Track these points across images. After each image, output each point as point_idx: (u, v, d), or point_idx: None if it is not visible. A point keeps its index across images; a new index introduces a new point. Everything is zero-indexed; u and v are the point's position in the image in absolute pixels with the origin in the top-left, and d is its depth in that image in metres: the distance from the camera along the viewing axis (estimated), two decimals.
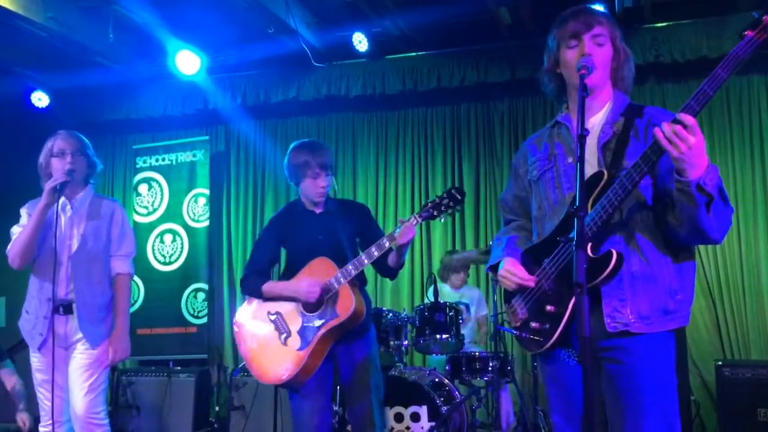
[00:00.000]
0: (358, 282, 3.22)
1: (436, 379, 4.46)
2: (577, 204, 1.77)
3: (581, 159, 1.80)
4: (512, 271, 2.16)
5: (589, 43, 2.06)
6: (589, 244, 1.92)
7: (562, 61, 2.13)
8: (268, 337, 3.21)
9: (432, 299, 4.68)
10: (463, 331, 4.78)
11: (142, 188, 7.25)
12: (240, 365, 6.80)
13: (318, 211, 3.37)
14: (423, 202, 6.55)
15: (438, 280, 5.30)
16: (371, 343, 3.32)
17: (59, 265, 3.19)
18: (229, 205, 7.33)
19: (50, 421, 3.18)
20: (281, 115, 7.23)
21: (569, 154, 2.14)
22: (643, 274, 1.97)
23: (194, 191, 7.08)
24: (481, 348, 5.49)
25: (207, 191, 7.04)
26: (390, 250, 3.17)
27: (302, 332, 3.13)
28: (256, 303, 3.32)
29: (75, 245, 3.22)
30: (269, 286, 3.26)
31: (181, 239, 7.04)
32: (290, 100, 6.77)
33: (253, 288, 3.30)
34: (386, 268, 3.33)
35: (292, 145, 3.46)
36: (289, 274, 3.32)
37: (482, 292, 5.88)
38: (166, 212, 7.12)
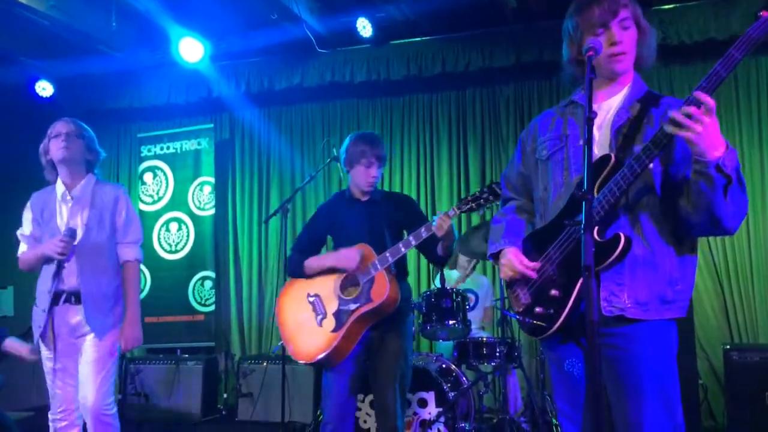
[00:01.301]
0: (396, 271, 3.31)
1: (444, 365, 4.46)
2: (585, 187, 1.75)
3: (589, 141, 1.78)
4: (514, 262, 2.15)
5: (617, 29, 2.03)
6: (596, 228, 1.92)
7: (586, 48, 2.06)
8: (306, 317, 3.34)
9: (439, 285, 4.67)
10: (470, 317, 4.77)
11: (147, 177, 7.25)
12: (247, 354, 6.84)
13: (364, 199, 3.50)
14: (427, 189, 6.60)
15: (445, 266, 5.29)
16: (406, 332, 3.39)
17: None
18: (234, 193, 7.33)
19: (62, 410, 3.20)
20: (285, 102, 7.20)
21: (581, 136, 2.10)
22: (645, 260, 1.95)
23: (199, 179, 7.08)
24: (488, 333, 5.49)
25: (212, 179, 7.04)
26: (434, 238, 3.21)
27: (337, 314, 3.25)
28: (296, 285, 3.45)
29: (79, 235, 3.20)
30: (310, 261, 3.40)
31: (187, 227, 7.04)
32: (294, 87, 6.75)
33: (295, 265, 3.45)
34: (435, 257, 3.41)
35: (353, 134, 3.56)
36: None
37: (490, 280, 5.87)
38: (172, 201, 7.13)
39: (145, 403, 6.16)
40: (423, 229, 3.15)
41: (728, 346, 4.93)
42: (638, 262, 1.94)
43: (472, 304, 5.46)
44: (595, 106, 2.02)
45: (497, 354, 4.54)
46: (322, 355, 3.18)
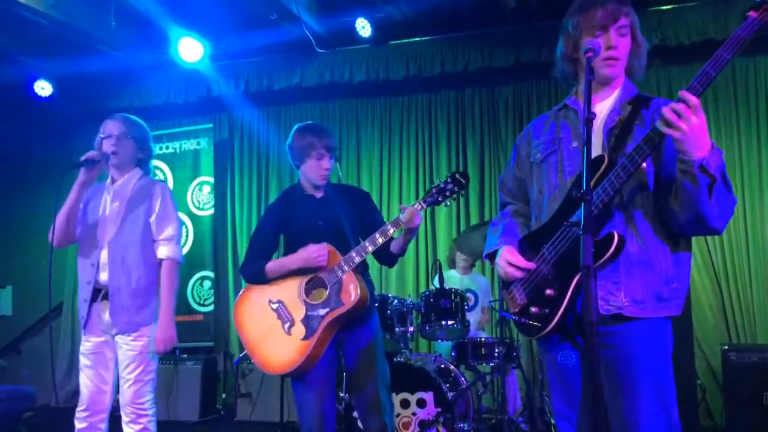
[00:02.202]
0: (361, 268, 3.16)
1: (442, 366, 4.47)
2: (584, 187, 1.76)
3: (587, 142, 1.79)
4: (510, 259, 2.17)
5: (615, 34, 2.08)
6: None
7: (582, 49, 2.09)
8: (271, 326, 3.14)
9: (437, 286, 4.67)
10: (469, 317, 4.78)
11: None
12: (243, 353, 6.83)
13: (318, 195, 3.31)
14: (426, 188, 6.58)
15: (444, 266, 5.30)
16: (375, 329, 3.27)
17: (99, 248, 3.15)
18: (233, 193, 7.34)
19: (83, 409, 3.12)
20: (285, 102, 7.21)
21: (575, 138, 2.14)
22: (640, 259, 1.97)
23: (199, 179, 7.09)
24: (487, 333, 5.50)
25: (211, 179, 7.04)
26: (392, 237, 3.13)
27: (306, 321, 3.07)
28: (256, 290, 3.24)
29: (114, 230, 3.16)
30: (272, 265, 3.19)
31: (186, 227, 7.04)
32: (293, 86, 6.75)
33: (254, 271, 3.22)
34: (387, 256, 3.27)
35: (296, 127, 3.44)
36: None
37: (488, 280, 5.87)
38: None
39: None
40: (389, 226, 3.02)
41: (726, 347, 4.93)
42: (633, 260, 1.97)
43: (471, 305, 5.47)
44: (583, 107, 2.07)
45: (496, 354, 4.54)
46: (296, 366, 3.01)
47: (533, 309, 2.09)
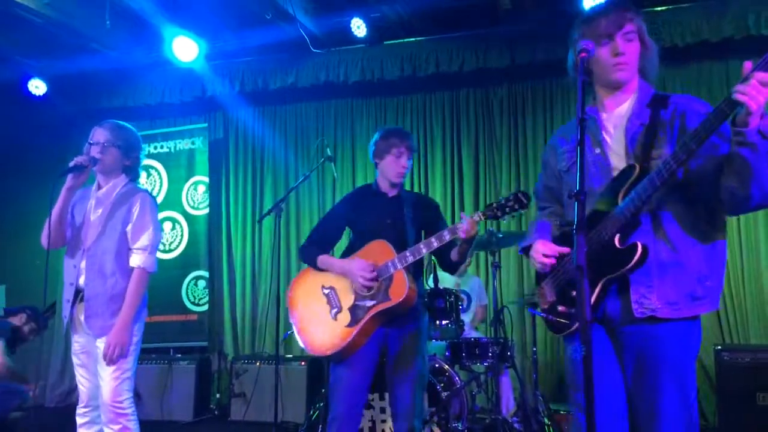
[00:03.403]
0: (413, 270, 3.25)
1: (436, 365, 4.47)
2: (577, 187, 1.81)
3: (581, 143, 1.83)
4: (543, 250, 2.26)
5: (621, 41, 2.15)
6: (617, 235, 2.04)
7: (593, 57, 2.17)
8: (319, 309, 3.28)
9: (432, 285, 4.68)
10: (463, 317, 4.79)
11: (141, 176, 7.22)
12: (240, 354, 6.83)
13: (391, 194, 3.44)
14: (421, 189, 6.60)
15: (438, 266, 5.30)
16: (422, 330, 3.34)
17: (82, 252, 3.22)
18: (228, 192, 7.33)
19: (83, 405, 3.25)
20: (280, 102, 7.21)
21: (595, 145, 2.21)
22: (671, 262, 2.03)
23: (193, 179, 7.08)
24: (481, 333, 5.50)
25: (206, 178, 7.04)
26: (452, 244, 3.18)
27: (353, 309, 3.20)
28: (311, 274, 3.38)
29: (94, 236, 3.22)
30: (324, 259, 3.33)
31: (181, 227, 7.03)
32: (288, 86, 6.75)
33: (309, 257, 3.37)
34: (448, 263, 3.36)
35: (383, 128, 3.54)
36: (349, 251, 3.37)
37: (482, 281, 5.88)
38: (166, 200, 7.12)
39: (138, 402, 6.14)
40: (446, 232, 3.09)
41: (719, 347, 4.96)
42: (665, 264, 2.03)
43: (464, 305, 5.47)
44: (604, 115, 2.23)
45: (490, 354, 4.55)
46: (336, 350, 3.14)
47: (561, 308, 2.22)
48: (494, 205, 3.06)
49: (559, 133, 2.47)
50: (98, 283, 3.17)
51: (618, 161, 2.14)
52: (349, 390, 3.18)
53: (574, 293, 2.11)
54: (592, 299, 2.06)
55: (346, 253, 3.38)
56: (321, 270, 3.34)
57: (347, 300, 3.24)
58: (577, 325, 2.09)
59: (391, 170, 3.38)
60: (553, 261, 2.23)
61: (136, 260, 3.24)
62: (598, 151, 2.19)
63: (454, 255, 3.28)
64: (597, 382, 2.08)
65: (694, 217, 2.05)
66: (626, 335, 2.10)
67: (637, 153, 2.10)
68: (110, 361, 3.10)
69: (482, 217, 3.04)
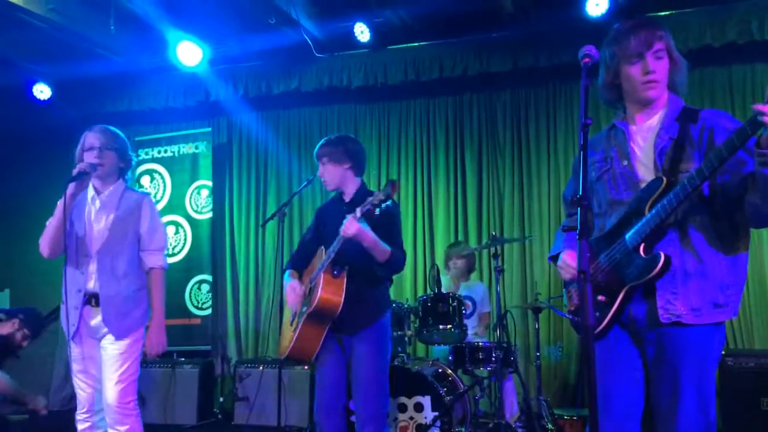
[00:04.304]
0: (345, 273, 3.23)
1: (440, 370, 4.47)
2: (580, 192, 1.86)
3: (584, 147, 1.90)
4: (569, 262, 2.38)
5: (651, 59, 2.22)
6: (642, 245, 2.14)
7: (623, 75, 2.28)
8: (289, 317, 3.59)
9: (435, 290, 4.68)
10: (467, 323, 4.78)
11: (145, 180, 7.26)
12: (243, 358, 6.83)
13: (346, 200, 3.51)
14: (424, 194, 6.61)
15: (441, 270, 5.30)
16: (371, 339, 3.32)
17: (88, 257, 3.24)
18: (231, 197, 7.33)
19: (84, 411, 3.26)
20: (283, 106, 7.22)
21: (623, 157, 2.31)
22: (696, 270, 2.12)
23: (197, 183, 7.09)
24: (484, 338, 5.49)
25: (210, 183, 7.04)
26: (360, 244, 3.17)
27: (300, 316, 3.37)
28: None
29: (102, 240, 3.25)
30: (289, 278, 3.57)
31: (185, 231, 7.04)
32: (292, 91, 6.76)
33: (284, 271, 3.65)
34: (376, 265, 3.30)
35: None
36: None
37: (486, 287, 5.87)
38: (169, 204, 7.13)
39: (141, 406, 6.14)
40: (340, 233, 3.10)
41: (724, 352, 4.94)
42: (690, 272, 2.13)
43: (469, 311, 5.46)
44: (634, 128, 2.32)
45: (493, 359, 4.54)
46: (285, 353, 3.39)
47: None
48: (368, 200, 3.05)
49: (591, 143, 2.51)
50: (112, 285, 3.22)
51: (646, 173, 2.23)
52: (323, 391, 3.35)
53: (601, 298, 2.22)
54: (616, 304, 2.18)
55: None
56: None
57: (300, 308, 3.45)
58: (604, 324, 2.20)
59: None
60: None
61: (154, 261, 3.37)
62: (625, 163, 2.28)
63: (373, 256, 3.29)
64: (614, 382, 2.25)
65: (719, 230, 2.14)
66: (650, 338, 2.20)
67: (665, 166, 2.18)
68: (153, 358, 3.33)
69: (359, 214, 3.05)
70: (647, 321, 2.18)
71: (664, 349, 2.16)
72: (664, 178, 2.12)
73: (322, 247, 3.38)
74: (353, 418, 3.55)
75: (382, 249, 3.20)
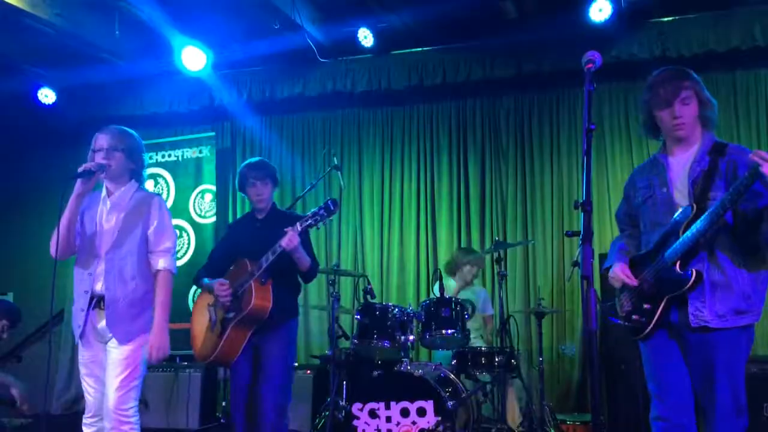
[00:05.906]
0: (271, 280, 3.56)
1: (442, 374, 4.47)
2: (583, 197, 2.11)
3: (588, 153, 2.14)
4: (618, 272, 2.79)
5: (678, 106, 2.65)
6: (678, 262, 2.57)
7: (657, 118, 2.72)
8: (204, 323, 3.84)
9: (438, 295, 4.68)
10: (469, 326, 4.78)
11: (148, 184, 7.25)
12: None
13: (260, 217, 3.93)
14: (427, 199, 6.61)
15: (444, 275, 5.30)
16: (282, 337, 3.72)
17: (97, 258, 3.20)
18: (235, 201, 7.34)
19: (90, 415, 3.22)
20: (287, 111, 7.23)
21: (663, 185, 2.73)
22: (721, 283, 2.54)
23: (200, 187, 7.11)
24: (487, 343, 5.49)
25: (213, 187, 7.06)
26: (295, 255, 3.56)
27: (223, 322, 3.66)
28: (204, 294, 3.92)
29: (111, 241, 3.21)
30: (203, 282, 3.87)
31: (188, 235, 7.06)
32: (296, 95, 6.78)
33: (195, 280, 3.97)
34: (299, 273, 3.81)
35: (242, 164, 4.01)
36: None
37: (488, 292, 5.87)
38: (173, 208, 7.10)
39: (144, 410, 6.14)
40: (277, 245, 3.43)
41: None
42: (716, 285, 2.54)
43: (468, 313, 5.46)
44: (673, 159, 2.75)
45: (496, 363, 4.55)
46: (210, 358, 3.67)
47: (635, 317, 2.75)
48: (309, 215, 3.45)
49: (636, 170, 3.00)
50: (119, 287, 3.18)
51: (682, 199, 2.65)
52: (235, 397, 3.73)
53: (647, 306, 2.67)
54: (659, 311, 2.63)
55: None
56: (204, 291, 3.90)
57: (221, 314, 3.71)
58: (649, 328, 2.65)
59: (251, 199, 3.94)
60: (634, 282, 2.73)
61: (162, 263, 3.30)
62: (665, 190, 2.71)
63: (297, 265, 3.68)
64: (666, 378, 2.68)
65: (742, 250, 2.54)
66: (687, 340, 2.62)
67: (696, 194, 2.60)
68: (155, 363, 3.29)
69: (299, 228, 3.41)
70: (683, 325, 2.59)
71: (698, 348, 2.58)
72: (695, 205, 2.54)
73: (246, 259, 3.63)
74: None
75: (306, 259, 3.68)
